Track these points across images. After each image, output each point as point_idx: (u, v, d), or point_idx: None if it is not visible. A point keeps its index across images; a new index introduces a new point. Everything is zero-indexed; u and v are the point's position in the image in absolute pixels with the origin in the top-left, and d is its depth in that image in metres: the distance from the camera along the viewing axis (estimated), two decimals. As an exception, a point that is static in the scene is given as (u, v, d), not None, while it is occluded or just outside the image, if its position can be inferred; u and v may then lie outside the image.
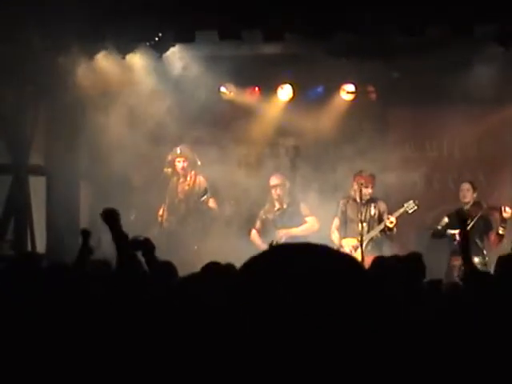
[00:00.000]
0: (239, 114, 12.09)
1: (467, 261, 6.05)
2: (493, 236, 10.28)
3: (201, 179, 11.16)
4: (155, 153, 11.46)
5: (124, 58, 11.03)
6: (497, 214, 10.31)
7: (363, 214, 10.46)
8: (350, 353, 1.55)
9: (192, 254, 10.07)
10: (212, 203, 11.13)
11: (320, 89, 12.15)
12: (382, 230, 10.55)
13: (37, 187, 11.58)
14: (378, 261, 6.21)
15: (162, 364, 3.50)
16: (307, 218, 10.95)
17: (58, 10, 9.90)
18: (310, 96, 12.12)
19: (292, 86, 11.99)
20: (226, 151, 11.42)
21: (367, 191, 10.54)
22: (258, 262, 1.67)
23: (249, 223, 11.30)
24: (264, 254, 1.69)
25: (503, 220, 10.21)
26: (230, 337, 1.59)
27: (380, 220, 10.60)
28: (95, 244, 9.44)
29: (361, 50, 10.82)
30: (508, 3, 9.82)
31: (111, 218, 5.90)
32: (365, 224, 10.45)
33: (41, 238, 11.45)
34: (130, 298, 4.85)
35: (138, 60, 11.29)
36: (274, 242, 9.23)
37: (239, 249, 8.96)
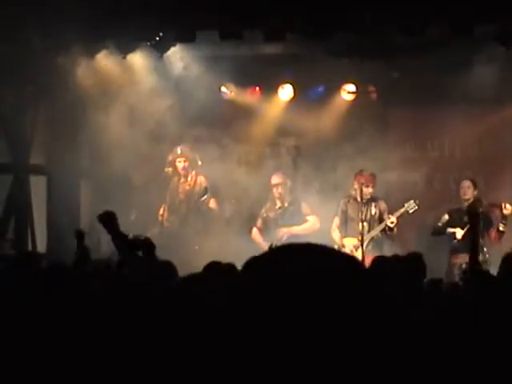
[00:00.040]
0: (240, 114, 12.10)
1: (474, 257, 6.01)
2: (493, 233, 10.31)
3: (201, 179, 11.16)
4: (156, 152, 11.46)
5: (125, 57, 11.04)
6: (497, 211, 10.34)
7: (364, 214, 10.47)
8: (349, 352, 1.55)
9: (192, 253, 10.08)
10: (212, 203, 11.14)
11: (321, 89, 12.15)
12: (383, 230, 10.56)
13: (37, 187, 11.58)
14: (378, 261, 6.21)
15: (162, 363, 3.51)
16: (308, 217, 10.96)
17: (58, 10, 9.90)
18: (310, 96, 12.12)
19: (293, 85, 11.99)
20: (226, 150, 11.43)
21: (368, 190, 10.55)
22: (258, 262, 1.67)
23: (249, 222, 11.31)
24: (265, 254, 1.69)
25: (503, 217, 10.26)
26: (230, 336, 1.60)
27: (380, 219, 10.60)
28: (95, 244, 9.47)
29: (361, 50, 10.83)
30: (508, 3, 9.82)
31: (108, 220, 5.89)
32: (365, 223, 10.46)
33: (41, 238, 11.45)
34: (129, 297, 4.85)
35: (138, 60, 11.30)
36: (274, 245, 9.24)
37: (240, 248, 8.97)
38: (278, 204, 11.06)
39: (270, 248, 1.70)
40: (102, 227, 6.10)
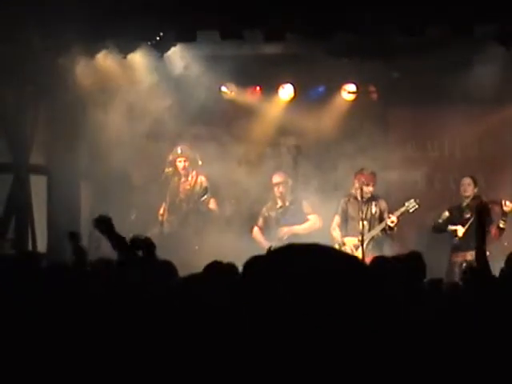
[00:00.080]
0: (240, 114, 12.10)
1: (480, 256, 5.99)
2: (493, 229, 10.34)
3: (202, 179, 11.17)
4: (156, 152, 11.48)
5: (125, 57, 11.04)
6: (497, 208, 10.37)
7: (364, 213, 10.47)
8: (349, 352, 1.55)
9: (192, 253, 10.08)
10: (212, 204, 11.14)
11: (321, 88, 12.16)
12: (383, 229, 10.57)
13: (38, 186, 11.58)
14: (377, 261, 6.21)
15: (163, 363, 3.51)
16: (309, 216, 10.98)
17: (58, 10, 9.90)
18: (311, 96, 12.13)
19: (293, 85, 12.00)
20: (226, 149, 11.43)
21: (368, 189, 10.56)
22: (259, 262, 1.67)
23: (249, 222, 11.32)
24: (266, 255, 1.69)
25: (504, 213, 10.31)
26: (230, 336, 1.60)
27: (381, 218, 10.61)
28: (96, 243, 9.47)
29: (361, 50, 10.83)
30: (508, 3, 9.82)
31: (104, 225, 5.88)
32: (366, 222, 10.46)
33: (42, 238, 11.45)
34: (130, 297, 4.86)
35: (139, 59, 11.30)
36: (273, 247, 9.24)
37: (240, 248, 8.97)
38: (279, 203, 11.07)
39: (269, 250, 1.71)
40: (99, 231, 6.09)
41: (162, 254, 6.39)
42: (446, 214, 10.68)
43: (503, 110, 11.52)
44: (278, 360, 1.53)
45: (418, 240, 11.09)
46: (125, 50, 10.92)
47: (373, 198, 10.65)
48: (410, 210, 10.60)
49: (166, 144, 11.36)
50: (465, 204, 10.70)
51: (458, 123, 11.47)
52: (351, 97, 12.02)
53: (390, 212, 10.61)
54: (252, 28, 10.41)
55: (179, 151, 11.19)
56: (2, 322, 4.47)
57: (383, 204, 10.70)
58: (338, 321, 1.54)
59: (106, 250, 7.59)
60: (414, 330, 3.61)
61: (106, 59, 11.22)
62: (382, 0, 10.17)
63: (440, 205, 11.15)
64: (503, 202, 10.27)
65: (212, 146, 11.24)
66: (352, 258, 1.67)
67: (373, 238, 10.54)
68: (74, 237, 6.92)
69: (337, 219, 10.79)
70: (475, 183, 10.72)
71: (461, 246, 10.47)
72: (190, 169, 11.21)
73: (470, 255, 10.39)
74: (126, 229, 9.54)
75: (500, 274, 5.99)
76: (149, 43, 10.88)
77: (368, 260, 7.59)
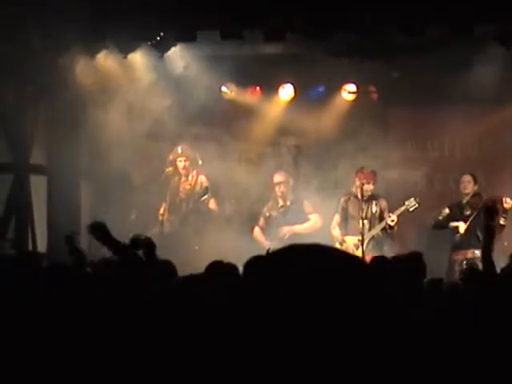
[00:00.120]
0: (240, 114, 12.11)
1: (487, 255, 5.98)
2: None
3: (202, 179, 11.17)
4: (156, 151, 11.48)
5: (125, 57, 11.04)
6: (498, 205, 10.39)
7: (364, 211, 10.48)
8: (349, 352, 1.55)
9: (192, 253, 10.08)
10: (212, 204, 11.14)
11: (321, 88, 12.16)
12: (383, 228, 10.57)
13: (38, 186, 11.59)
14: (376, 261, 6.22)
15: (163, 363, 3.51)
16: (310, 216, 10.98)
17: (58, 10, 9.90)
18: (311, 96, 12.13)
19: (293, 85, 12.00)
20: (226, 149, 11.44)
21: (369, 187, 10.56)
22: (259, 262, 1.68)
23: (249, 222, 11.32)
24: (267, 256, 1.70)
25: (504, 211, 10.32)
26: (231, 335, 1.60)
27: (381, 218, 10.61)
28: (96, 243, 9.46)
29: (361, 50, 10.83)
30: (508, 3, 9.82)
31: (99, 231, 5.87)
32: (366, 221, 10.46)
33: (42, 238, 11.45)
34: (130, 297, 4.86)
35: (139, 59, 11.30)
36: (271, 249, 9.25)
37: (240, 248, 8.97)
38: (281, 203, 11.08)
39: (267, 252, 1.71)
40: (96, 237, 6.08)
41: (162, 253, 6.39)
42: (446, 210, 10.71)
43: (503, 110, 11.52)
44: (278, 360, 1.53)
45: (418, 239, 11.10)
46: (125, 49, 10.92)
47: (373, 196, 10.65)
48: (410, 209, 10.61)
49: (166, 144, 11.37)
50: (465, 201, 10.74)
51: (458, 123, 11.48)
52: (351, 97, 12.02)
53: (391, 211, 10.62)
54: (252, 28, 10.41)
55: (179, 151, 11.19)
56: (2, 322, 4.47)
57: (383, 203, 10.70)
58: (338, 321, 1.54)
59: (105, 249, 7.59)
60: (414, 330, 3.61)
61: (106, 59, 11.22)
62: (382, 0, 10.17)
63: (440, 205, 11.15)
64: (504, 200, 10.30)
65: (212, 145, 11.25)
66: (353, 258, 1.68)
67: (373, 237, 10.54)
68: (71, 239, 6.91)
69: (336, 218, 10.80)
70: (475, 180, 10.76)
71: (461, 244, 10.50)
72: (190, 168, 11.21)
73: (471, 253, 10.42)
74: (126, 228, 9.56)
75: (500, 274, 5.99)
76: (149, 43, 10.88)
77: (367, 259, 7.60)
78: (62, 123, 11.37)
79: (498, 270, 6.06)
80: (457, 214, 10.67)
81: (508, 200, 10.27)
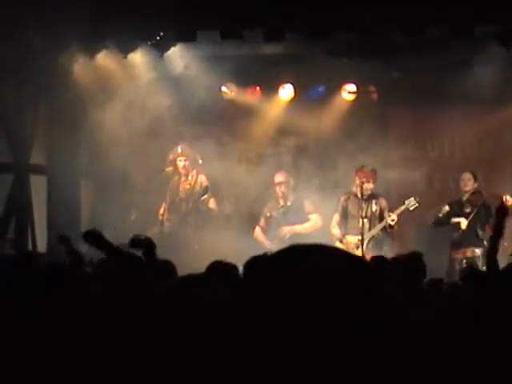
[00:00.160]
0: (240, 114, 12.11)
1: (492, 254, 5.97)
2: None
3: (202, 178, 11.18)
4: (156, 151, 11.48)
5: (125, 57, 11.04)
6: (498, 203, 10.41)
7: (364, 210, 10.49)
8: (350, 352, 1.55)
9: (192, 253, 10.08)
10: (212, 204, 11.15)
11: (321, 88, 12.17)
12: (383, 228, 10.57)
13: (38, 186, 11.59)
14: (376, 260, 6.22)
15: (163, 363, 3.51)
16: (311, 216, 10.99)
17: (58, 10, 9.90)
18: (311, 96, 12.13)
19: (293, 85, 12.00)
20: (226, 148, 11.45)
21: (369, 186, 10.57)
22: (259, 262, 1.68)
23: (249, 221, 11.33)
24: (267, 256, 1.70)
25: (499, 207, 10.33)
26: (231, 335, 1.60)
27: (381, 217, 10.61)
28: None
29: (361, 50, 10.84)
30: (508, 3, 9.82)
31: (94, 239, 5.86)
32: (366, 220, 10.47)
33: (42, 237, 11.46)
34: (130, 297, 4.86)
35: (139, 59, 11.30)
36: (269, 253, 9.25)
37: (240, 247, 8.98)
38: (281, 203, 11.09)
39: (265, 255, 1.71)
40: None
41: (161, 253, 6.39)
42: (446, 208, 10.73)
43: (503, 110, 11.53)
44: (278, 360, 1.53)
45: (418, 238, 11.12)
46: (125, 49, 10.93)
47: (373, 195, 10.66)
48: (411, 208, 10.62)
49: (166, 143, 11.37)
50: (465, 198, 10.76)
51: (458, 123, 11.48)
52: (351, 97, 12.03)
53: (391, 210, 10.62)
54: (252, 28, 10.41)
55: (179, 150, 11.20)
56: (2, 322, 4.47)
57: (383, 202, 10.71)
58: (338, 321, 1.54)
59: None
60: (414, 330, 3.61)
61: (106, 59, 11.23)
62: (382, 0, 10.17)
63: (439, 205, 11.16)
64: (504, 197, 10.31)
65: (212, 145, 11.25)
66: (354, 258, 1.68)
67: (373, 236, 10.54)
68: (65, 239, 6.90)
69: (336, 217, 10.80)
70: (475, 178, 10.80)
71: (461, 241, 10.52)
72: (190, 168, 11.22)
73: (471, 252, 10.44)
74: (126, 228, 9.57)
75: (500, 274, 5.99)
76: (149, 43, 10.88)
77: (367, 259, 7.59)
78: (62, 123, 11.37)
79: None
80: (457, 212, 10.69)
81: (508, 197, 10.28)
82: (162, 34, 10.72)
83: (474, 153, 12.00)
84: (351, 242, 10.53)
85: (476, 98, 11.06)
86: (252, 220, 11.30)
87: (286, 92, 12.07)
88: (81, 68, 11.17)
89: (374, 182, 10.63)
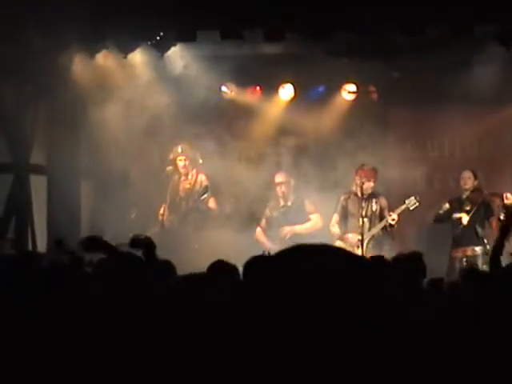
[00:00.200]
0: (240, 114, 12.12)
1: (496, 252, 5.97)
2: (494, 222, 10.40)
3: (202, 178, 11.19)
4: (156, 151, 11.49)
5: (125, 57, 11.04)
6: (498, 201, 10.43)
7: (365, 210, 10.49)
8: (350, 352, 1.55)
9: (192, 252, 10.08)
10: (212, 203, 11.15)
11: (321, 88, 12.17)
12: (383, 227, 10.58)
13: (38, 186, 11.59)
14: (376, 260, 6.21)
15: (163, 363, 3.51)
16: (311, 216, 11.00)
17: (58, 10, 9.90)
18: (311, 95, 12.13)
19: (293, 85, 12.01)
20: (226, 148, 11.46)
21: (369, 185, 10.58)
22: (259, 262, 1.68)
23: (249, 220, 11.33)
24: (268, 257, 1.70)
25: (505, 206, 10.34)
26: (231, 335, 1.60)
27: (381, 216, 10.62)
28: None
29: (361, 50, 10.84)
30: (508, 3, 9.82)
31: (92, 245, 5.85)
32: (366, 219, 10.47)
33: (42, 237, 11.45)
34: (130, 297, 4.86)
35: (139, 59, 11.31)
36: (266, 253, 9.25)
37: (240, 247, 8.99)
38: (282, 203, 11.09)
39: (263, 255, 1.71)
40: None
41: (161, 252, 6.39)
42: (447, 205, 10.76)
43: (503, 110, 11.53)
44: (278, 359, 1.53)
45: (418, 238, 11.13)
46: (125, 49, 10.93)
47: (373, 195, 10.66)
48: (411, 208, 10.63)
49: (166, 143, 11.38)
50: (465, 196, 10.78)
51: (458, 123, 11.49)
52: (351, 97, 12.03)
53: (391, 210, 10.63)
54: (252, 28, 10.41)
55: (179, 150, 11.21)
56: (2, 322, 4.47)
57: (384, 201, 10.71)
58: (338, 321, 1.54)
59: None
60: (414, 330, 3.61)
61: (106, 59, 11.23)
62: (382, 0, 10.17)
63: (439, 204, 11.16)
64: (504, 195, 10.33)
65: (212, 145, 11.26)
66: (356, 259, 1.68)
67: (373, 236, 10.54)
68: (61, 243, 6.89)
69: (335, 217, 10.81)
70: (475, 176, 10.83)
71: (461, 241, 10.54)
72: (190, 167, 11.23)
73: (471, 250, 10.46)
74: (126, 228, 9.57)
75: (500, 274, 5.98)
76: (149, 43, 10.88)
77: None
78: (62, 123, 11.37)
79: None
80: (456, 209, 10.71)
81: (508, 195, 10.29)
82: (162, 34, 10.72)
83: (473, 153, 12.00)
84: (351, 241, 10.53)
85: (476, 98, 11.06)
86: (252, 219, 11.31)
87: (286, 92, 12.07)
88: (81, 68, 11.16)
89: (374, 181, 10.64)
